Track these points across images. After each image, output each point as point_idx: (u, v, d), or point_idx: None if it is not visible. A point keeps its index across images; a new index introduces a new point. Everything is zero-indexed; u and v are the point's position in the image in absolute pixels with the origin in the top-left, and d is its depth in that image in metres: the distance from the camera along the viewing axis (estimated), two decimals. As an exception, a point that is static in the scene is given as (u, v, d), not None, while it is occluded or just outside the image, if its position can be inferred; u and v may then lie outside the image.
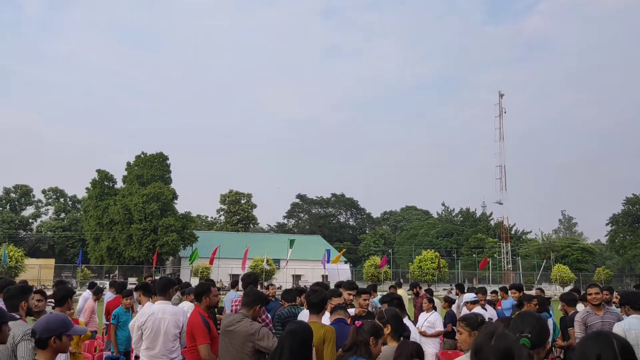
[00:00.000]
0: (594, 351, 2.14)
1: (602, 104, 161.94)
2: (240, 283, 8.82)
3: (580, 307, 7.76)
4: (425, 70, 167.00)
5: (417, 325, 8.98)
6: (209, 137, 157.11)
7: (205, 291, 5.80)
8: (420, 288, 11.86)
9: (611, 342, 2.14)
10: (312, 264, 57.02)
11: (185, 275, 51.55)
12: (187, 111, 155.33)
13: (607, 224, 66.23)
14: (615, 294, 8.57)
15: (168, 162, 59.25)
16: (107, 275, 53.17)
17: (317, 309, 5.07)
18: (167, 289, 6.05)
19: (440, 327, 8.89)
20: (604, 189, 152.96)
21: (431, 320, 8.91)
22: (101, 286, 11.90)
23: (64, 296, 6.02)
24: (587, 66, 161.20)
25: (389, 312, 4.91)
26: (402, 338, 4.15)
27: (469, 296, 9.28)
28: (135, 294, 8.68)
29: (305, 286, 11.32)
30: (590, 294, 6.50)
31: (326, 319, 5.42)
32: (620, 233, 63.61)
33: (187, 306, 9.10)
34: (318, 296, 5.12)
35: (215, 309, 9.43)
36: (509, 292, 9.88)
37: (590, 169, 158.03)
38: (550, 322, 8.59)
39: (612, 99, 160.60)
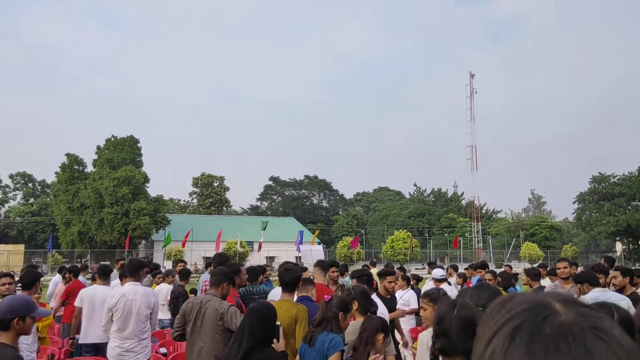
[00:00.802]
0: None
1: (570, 84, 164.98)
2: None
3: (545, 282, 7.97)
4: (398, 50, 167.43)
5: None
6: (181, 120, 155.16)
7: (235, 272, 5.92)
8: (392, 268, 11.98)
9: (612, 314, 2.10)
10: (286, 245, 57.14)
11: (158, 259, 51.12)
12: (158, 92, 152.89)
13: (574, 202, 67.83)
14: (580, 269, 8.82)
15: (139, 145, 58.38)
16: (78, 260, 52.40)
17: (290, 287, 5.08)
18: (137, 270, 6.01)
19: (414, 305, 8.99)
20: (573, 168, 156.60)
21: (406, 298, 8.97)
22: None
23: (32, 280, 5.94)
24: (556, 46, 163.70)
25: (357, 288, 4.97)
26: (368, 314, 4.20)
27: (437, 272, 9.38)
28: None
29: (266, 265, 11.27)
30: (559, 268, 6.70)
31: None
32: (587, 211, 65.16)
33: (166, 288, 9.09)
34: (291, 275, 5.12)
35: (188, 291, 9.42)
36: (476, 271, 10.05)
37: (559, 149, 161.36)
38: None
39: (581, 79, 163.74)
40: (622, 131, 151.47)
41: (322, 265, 7.34)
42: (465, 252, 67.19)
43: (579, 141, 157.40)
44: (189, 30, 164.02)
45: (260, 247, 45.80)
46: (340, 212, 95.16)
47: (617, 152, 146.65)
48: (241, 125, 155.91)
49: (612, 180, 64.30)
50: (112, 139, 57.47)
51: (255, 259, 53.20)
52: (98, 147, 57.67)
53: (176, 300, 7.69)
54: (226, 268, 6.14)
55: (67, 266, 10.64)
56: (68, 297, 8.29)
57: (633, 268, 7.74)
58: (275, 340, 3.60)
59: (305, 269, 8.30)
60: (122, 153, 56.10)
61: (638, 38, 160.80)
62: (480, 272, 8.51)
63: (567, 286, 6.55)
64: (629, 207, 60.97)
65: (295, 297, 5.40)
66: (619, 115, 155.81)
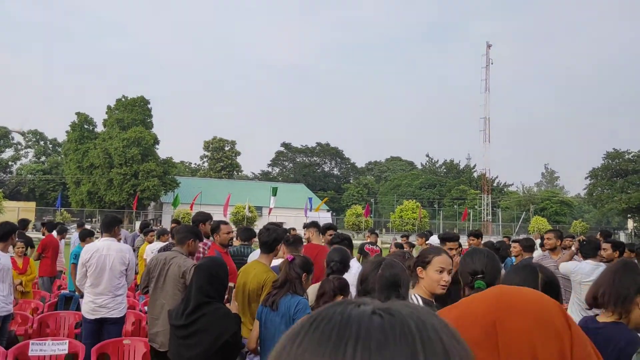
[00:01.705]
0: (516, 283, 2.05)
1: (589, 56, 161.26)
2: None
3: (537, 253, 7.83)
4: (414, 19, 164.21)
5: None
6: (193, 83, 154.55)
7: (214, 229, 5.91)
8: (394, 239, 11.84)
9: (536, 275, 2.10)
10: (295, 211, 57.30)
11: (166, 221, 51.59)
12: (171, 56, 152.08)
13: (586, 178, 66.96)
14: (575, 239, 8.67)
15: (149, 106, 58.23)
16: (88, 219, 53.04)
17: (267, 248, 4.86)
18: (112, 226, 5.89)
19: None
20: (588, 144, 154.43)
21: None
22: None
23: (6, 232, 5.85)
24: (576, 18, 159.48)
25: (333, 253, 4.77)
26: (328, 276, 4.00)
27: (434, 239, 9.21)
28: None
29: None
30: (545, 239, 6.69)
31: None
32: (599, 187, 64.27)
33: (156, 247, 8.95)
34: (270, 235, 4.89)
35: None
36: (468, 238, 9.84)
37: (575, 123, 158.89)
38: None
39: (599, 52, 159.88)
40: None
41: (317, 225, 7.17)
42: (474, 224, 66.99)
43: (596, 115, 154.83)
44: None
45: (270, 212, 45.98)
46: (351, 181, 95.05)
47: (634, 128, 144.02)
48: (255, 89, 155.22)
49: (627, 156, 63.20)
50: (123, 99, 57.37)
51: (263, 224, 53.51)
52: (108, 107, 57.66)
53: None
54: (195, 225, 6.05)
55: (45, 220, 10.71)
56: (43, 250, 8.25)
57: (627, 242, 7.56)
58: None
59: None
60: (133, 114, 56.06)
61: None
62: (472, 240, 8.34)
63: (555, 257, 6.54)
64: (642, 185, 60.10)
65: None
66: (637, 89, 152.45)
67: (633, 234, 65.91)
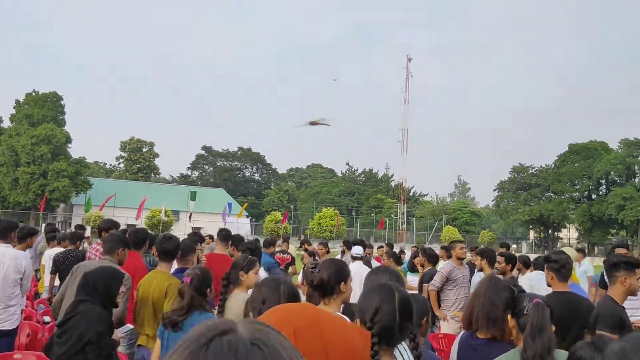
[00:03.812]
0: (374, 303, 2.14)
1: (501, 72, 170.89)
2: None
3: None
4: (339, 27, 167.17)
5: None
6: (111, 82, 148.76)
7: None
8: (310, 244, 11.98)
9: (392, 295, 2.16)
10: (213, 217, 56.40)
11: (77, 223, 49.26)
12: (87, 51, 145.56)
13: (494, 190, 70.97)
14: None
15: (62, 102, 55.38)
16: (-12, 220, 49.52)
17: (167, 257, 4.89)
18: (7, 232, 5.63)
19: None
20: (498, 156, 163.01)
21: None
22: None
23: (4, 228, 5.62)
24: (493, 34, 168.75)
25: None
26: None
27: (355, 250, 9.34)
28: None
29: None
30: (455, 249, 6.91)
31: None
32: (505, 199, 68.37)
33: (57, 251, 8.53)
34: (171, 244, 4.93)
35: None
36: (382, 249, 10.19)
37: (487, 136, 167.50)
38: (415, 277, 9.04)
39: (510, 69, 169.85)
40: (547, 123, 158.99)
41: (221, 235, 7.10)
42: (389, 232, 68.93)
43: (506, 131, 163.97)
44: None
45: (190, 218, 44.97)
46: (272, 187, 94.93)
47: (539, 144, 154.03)
48: (176, 91, 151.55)
49: (530, 171, 67.69)
50: (33, 94, 54.21)
51: (180, 229, 52.37)
52: (17, 102, 54.31)
53: (55, 264, 7.25)
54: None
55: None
56: None
57: (520, 254, 8.07)
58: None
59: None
60: (44, 109, 53.10)
61: (572, 35, 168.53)
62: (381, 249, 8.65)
63: (461, 268, 6.78)
64: (543, 198, 64.48)
65: (173, 269, 5.22)
66: (547, 107, 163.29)
67: (534, 244, 70.51)
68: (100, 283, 3.66)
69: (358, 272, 7.90)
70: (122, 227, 7.35)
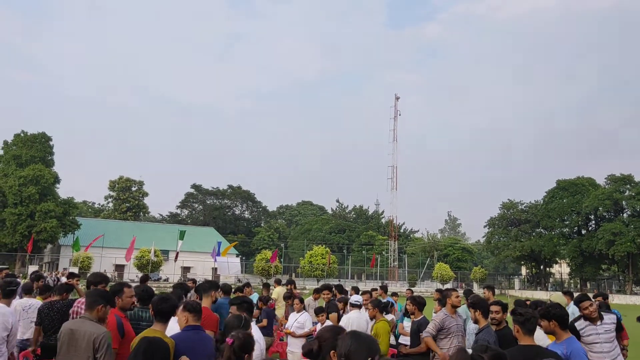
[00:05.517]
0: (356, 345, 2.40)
1: (489, 112, 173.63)
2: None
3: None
4: (329, 66, 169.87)
5: (286, 325, 8.93)
6: (101, 121, 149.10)
7: (116, 292, 5.28)
8: (294, 286, 11.89)
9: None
10: (203, 256, 55.87)
11: (64, 265, 48.52)
12: (77, 92, 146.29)
13: (484, 226, 71.05)
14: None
15: (51, 143, 55.36)
16: (-27, 262, 48.64)
17: (164, 317, 4.61)
18: (-4, 289, 5.51)
19: (309, 328, 8.86)
20: (488, 193, 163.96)
21: (301, 321, 8.86)
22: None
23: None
24: (477, 76, 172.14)
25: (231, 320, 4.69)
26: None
27: (354, 298, 9.25)
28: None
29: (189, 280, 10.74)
30: (451, 297, 6.77)
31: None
32: (496, 235, 68.42)
33: (36, 304, 8.26)
34: (168, 304, 4.54)
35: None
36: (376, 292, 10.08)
37: (476, 173, 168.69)
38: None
39: (499, 109, 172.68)
40: (536, 159, 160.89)
41: (203, 287, 6.73)
42: (381, 270, 68.50)
43: (494, 167, 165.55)
44: (114, 29, 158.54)
45: (177, 257, 44.39)
46: (262, 225, 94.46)
47: (529, 179, 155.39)
48: (165, 130, 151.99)
49: (520, 207, 68.03)
50: (22, 135, 54.20)
51: (169, 269, 51.75)
52: (5, 142, 54.19)
53: (40, 315, 7.00)
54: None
55: None
56: None
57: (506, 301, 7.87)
58: None
59: (216, 283, 7.77)
60: (32, 150, 53.03)
61: (560, 73, 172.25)
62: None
63: (455, 316, 6.66)
64: (533, 234, 64.63)
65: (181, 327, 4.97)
66: (532, 144, 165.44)
67: (526, 280, 70.30)
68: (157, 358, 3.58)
69: (356, 320, 7.84)
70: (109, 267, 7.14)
